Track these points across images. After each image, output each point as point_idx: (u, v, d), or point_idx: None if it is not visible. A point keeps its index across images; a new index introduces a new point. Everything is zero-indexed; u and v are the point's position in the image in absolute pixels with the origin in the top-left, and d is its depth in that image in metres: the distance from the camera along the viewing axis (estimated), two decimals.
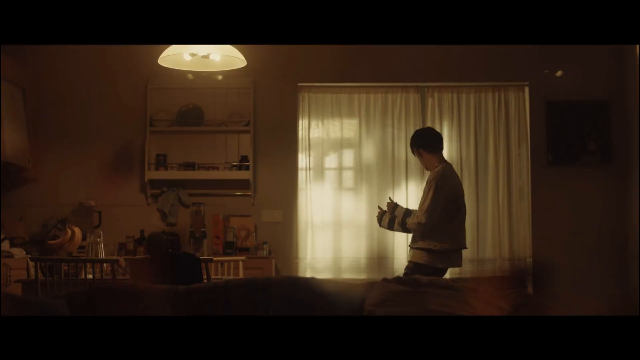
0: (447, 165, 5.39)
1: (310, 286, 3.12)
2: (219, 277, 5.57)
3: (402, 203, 6.98)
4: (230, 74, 6.53)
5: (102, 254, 5.61)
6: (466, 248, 5.43)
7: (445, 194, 5.17)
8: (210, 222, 6.93)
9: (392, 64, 7.02)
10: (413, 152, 5.48)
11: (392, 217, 5.35)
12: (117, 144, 7.08)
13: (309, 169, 7.03)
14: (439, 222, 5.14)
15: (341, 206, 7.03)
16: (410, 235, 5.43)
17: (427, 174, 6.98)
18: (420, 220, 5.14)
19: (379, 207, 5.52)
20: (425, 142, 5.40)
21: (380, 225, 5.47)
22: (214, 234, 6.88)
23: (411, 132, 6.98)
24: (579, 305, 6.58)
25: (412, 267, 5.17)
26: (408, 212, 5.35)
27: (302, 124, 7.07)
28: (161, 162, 6.98)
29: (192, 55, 5.44)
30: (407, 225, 5.25)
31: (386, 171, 7.01)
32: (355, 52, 6.87)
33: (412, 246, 5.28)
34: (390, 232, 6.96)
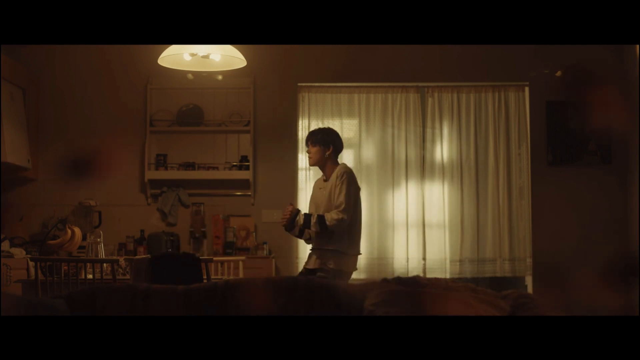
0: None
1: (310, 286, 3.13)
2: (219, 277, 5.57)
3: (402, 203, 7.01)
4: (230, 74, 6.53)
5: (102, 254, 5.61)
6: (361, 254, 5.12)
7: (354, 189, 4.99)
8: (210, 222, 6.94)
9: (392, 64, 7.02)
10: (310, 146, 5.13)
11: (307, 216, 4.98)
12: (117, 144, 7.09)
13: (309, 169, 7.03)
14: (352, 219, 4.94)
15: None
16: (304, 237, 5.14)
17: (429, 174, 7.04)
18: (342, 217, 4.86)
19: (291, 204, 5.16)
20: (337, 142, 5.16)
21: (293, 224, 5.04)
22: (214, 234, 6.89)
23: (411, 132, 7.03)
24: (579, 305, 6.61)
25: (329, 271, 4.86)
26: (308, 217, 4.99)
27: (302, 124, 7.07)
28: (161, 162, 6.98)
29: (192, 55, 5.44)
30: (328, 223, 4.86)
31: (386, 171, 7.01)
32: (355, 52, 6.87)
33: (320, 247, 4.97)
34: (390, 232, 6.98)
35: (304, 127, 7.07)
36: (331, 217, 4.89)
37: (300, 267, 6.93)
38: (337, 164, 5.14)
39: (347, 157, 7.08)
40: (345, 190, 4.91)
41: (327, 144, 5.09)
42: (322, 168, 5.14)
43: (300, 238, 5.19)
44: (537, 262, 6.87)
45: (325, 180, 5.10)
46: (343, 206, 4.88)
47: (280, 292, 3.08)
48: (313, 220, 4.93)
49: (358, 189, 5.07)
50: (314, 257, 5.02)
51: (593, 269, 6.78)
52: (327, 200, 4.98)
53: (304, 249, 6.96)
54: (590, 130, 6.87)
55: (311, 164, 5.23)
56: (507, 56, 6.90)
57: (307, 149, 5.19)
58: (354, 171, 6.94)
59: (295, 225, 5.04)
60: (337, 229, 4.91)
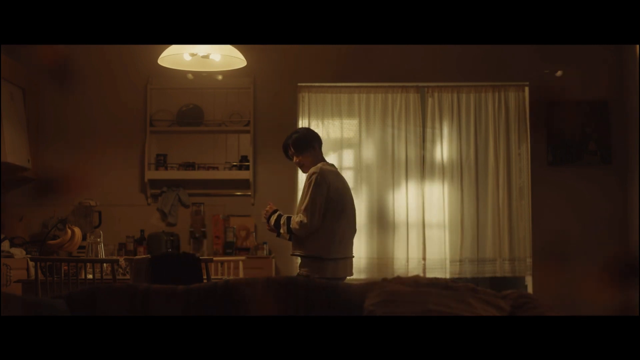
0: (328, 164, 4.91)
1: (310, 286, 3.12)
2: (219, 277, 5.57)
3: (402, 203, 7.01)
4: (230, 74, 6.54)
5: (102, 254, 5.61)
6: (353, 257, 4.88)
7: (325, 190, 4.66)
8: (210, 222, 6.94)
9: (392, 64, 7.02)
10: (296, 157, 4.88)
11: (278, 217, 4.80)
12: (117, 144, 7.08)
13: None
14: (324, 223, 4.64)
15: None
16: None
17: (429, 174, 7.04)
18: (302, 220, 4.61)
19: (270, 203, 4.96)
20: (315, 137, 4.90)
21: (268, 223, 4.84)
22: (214, 234, 6.88)
23: (411, 132, 7.03)
24: (579, 305, 6.60)
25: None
26: (279, 218, 4.81)
27: (302, 124, 7.07)
28: (161, 162, 6.98)
29: (192, 55, 5.44)
30: (291, 226, 4.68)
31: (386, 171, 7.01)
32: (355, 52, 6.87)
33: (295, 253, 4.75)
34: (390, 232, 6.98)
35: (304, 127, 7.07)
36: (294, 219, 4.68)
37: None
38: (319, 160, 4.86)
39: (347, 157, 7.08)
40: (311, 192, 4.64)
41: (310, 145, 4.84)
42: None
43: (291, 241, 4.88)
44: (537, 262, 6.87)
45: None
46: (303, 209, 4.63)
47: (280, 292, 3.08)
48: (282, 220, 4.75)
49: (337, 190, 4.75)
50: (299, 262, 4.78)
51: (593, 269, 6.78)
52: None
53: None
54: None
55: (306, 172, 4.87)
56: (507, 56, 6.90)
57: (294, 160, 4.88)
58: (356, 171, 7.04)
59: (272, 228, 4.83)
60: (300, 234, 4.65)
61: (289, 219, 4.76)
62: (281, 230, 4.79)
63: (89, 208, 6.81)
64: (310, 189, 4.67)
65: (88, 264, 5.20)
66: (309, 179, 4.73)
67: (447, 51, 6.82)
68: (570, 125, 6.92)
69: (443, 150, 7.06)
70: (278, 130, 7.02)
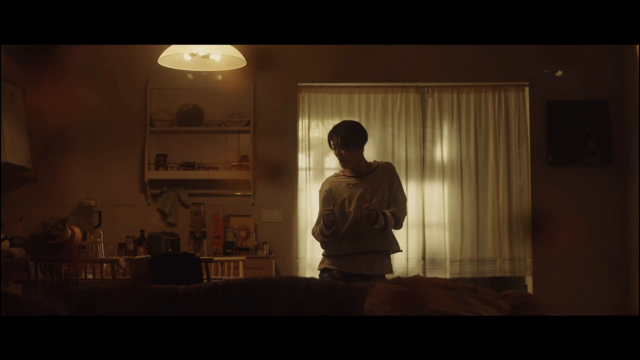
0: None
1: (310, 286, 3.13)
2: (219, 277, 5.58)
3: None
4: (230, 74, 6.53)
5: (102, 254, 5.62)
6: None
7: None
8: (210, 222, 6.94)
9: (392, 64, 7.02)
10: (350, 148, 4.75)
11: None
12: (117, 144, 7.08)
13: (309, 169, 7.02)
14: None
15: None
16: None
17: (429, 174, 7.02)
18: (406, 214, 4.77)
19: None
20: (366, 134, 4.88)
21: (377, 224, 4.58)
22: (214, 234, 6.88)
23: (411, 132, 7.03)
24: (579, 305, 6.60)
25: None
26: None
27: (302, 124, 7.07)
28: (161, 162, 6.98)
29: (192, 55, 5.44)
30: (400, 220, 4.66)
31: None
32: (355, 52, 6.87)
33: (393, 249, 4.77)
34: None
35: (304, 127, 7.07)
36: (402, 214, 4.70)
37: (301, 267, 6.94)
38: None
39: None
40: (401, 186, 4.82)
41: (364, 141, 4.85)
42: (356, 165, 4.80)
43: (326, 239, 4.67)
44: (537, 262, 6.87)
45: (357, 177, 4.72)
46: (405, 203, 4.77)
47: (280, 292, 3.08)
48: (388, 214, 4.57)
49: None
50: (364, 260, 4.66)
51: (593, 269, 6.78)
52: (371, 195, 4.63)
53: (304, 249, 6.96)
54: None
55: (348, 167, 4.83)
56: (507, 56, 6.89)
57: (339, 151, 4.72)
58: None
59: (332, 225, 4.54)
60: (396, 227, 4.72)
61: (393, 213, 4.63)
62: (377, 226, 4.59)
63: (89, 208, 6.81)
64: (400, 183, 4.86)
65: (88, 264, 5.20)
66: (397, 176, 4.83)
67: (447, 51, 6.82)
68: (570, 125, 6.92)
69: (443, 150, 7.06)
70: (278, 130, 7.05)
